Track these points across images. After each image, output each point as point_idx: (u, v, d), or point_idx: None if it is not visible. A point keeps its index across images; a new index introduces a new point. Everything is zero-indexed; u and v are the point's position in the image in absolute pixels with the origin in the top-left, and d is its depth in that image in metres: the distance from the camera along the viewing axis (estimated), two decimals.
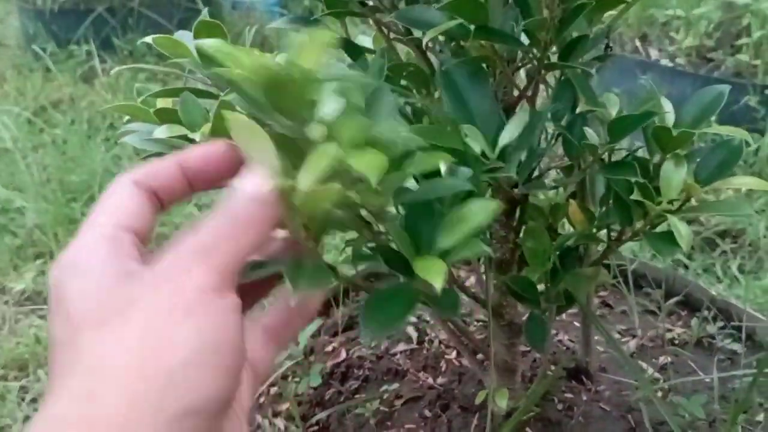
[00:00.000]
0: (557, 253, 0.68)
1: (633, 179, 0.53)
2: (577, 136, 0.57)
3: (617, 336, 1.07)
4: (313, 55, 0.35)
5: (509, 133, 0.51)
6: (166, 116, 0.61)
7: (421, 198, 0.45)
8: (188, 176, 0.39)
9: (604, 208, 0.68)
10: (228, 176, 0.37)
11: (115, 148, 1.86)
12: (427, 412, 0.88)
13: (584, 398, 0.91)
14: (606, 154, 0.59)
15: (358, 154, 0.37)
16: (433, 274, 0.41)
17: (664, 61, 2.02)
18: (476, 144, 0.51)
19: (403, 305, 0.45)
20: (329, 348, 1.03)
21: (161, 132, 0.60)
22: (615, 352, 0.73)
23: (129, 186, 0.38)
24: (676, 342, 1.05)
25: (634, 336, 1.06)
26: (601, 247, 0.69)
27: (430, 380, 0.94)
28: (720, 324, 1.05)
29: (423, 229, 0.48)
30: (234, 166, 0.38)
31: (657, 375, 0.98)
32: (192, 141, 0.58)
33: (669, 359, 1.01)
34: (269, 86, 0.34)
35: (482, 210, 0.45)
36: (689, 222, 1.72)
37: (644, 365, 1.00)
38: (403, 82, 0.68)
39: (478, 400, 0.79)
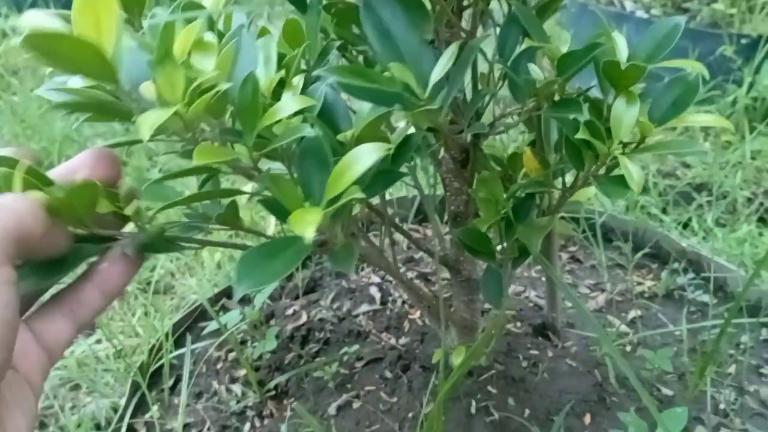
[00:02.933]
0: (511, 203, 0.64)
1: (580, 118, 0.49)
2: (522, 74, 0.53)
3: (586, 291, 1.04)
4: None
5: (439, 70, 0.47)
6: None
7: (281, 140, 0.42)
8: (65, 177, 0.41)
9: (558, 155, 0.64)
10: None
11: (76, 114, 1.80)
12: (387, 373, 0.85)
13: (550, 354, 0.88)
14: (556, 95, 0.56)
15: (147, 114, 0.36)
16: (303, 225, 0.38)
17: (640, 13, 1.98)
18: (405, 81, 0.47)
19: (287, 260, 0.42)
20: (290, 311, 1.00)
21: (75, 82, 0.56)
22: (574, 306, 0.71)
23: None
24: (646, 295, 1.02)
25: (603, 290, 1.03)
26: (556, 195, 0.65)
27: (393, 341, 0.91)
28: (690, 276, 1.02)
29: (314, 181, 0.44)
30: (105, 172, 0.41)
31: (626, 329, 0.96)
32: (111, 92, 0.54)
33: (638, 313, 0.98)
34: (37, 47, 0.33)
35: (369, 154, 0.42)
36: (665, 176, 1.68)
37: (613, 319, 0.98)
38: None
39: (434, 359, 0.76)
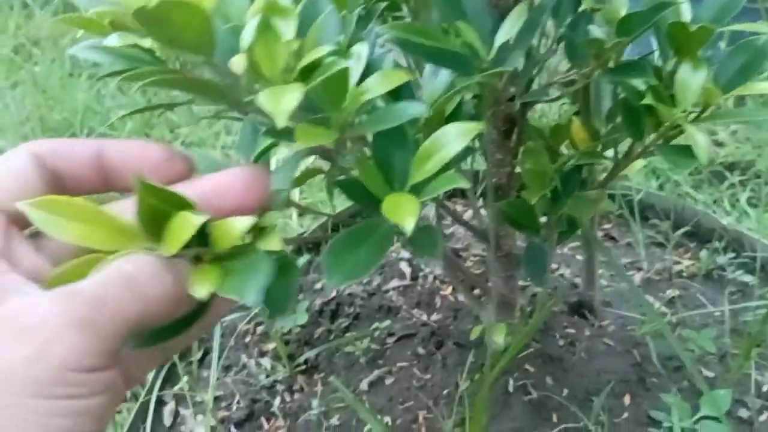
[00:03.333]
0: (558, 175, 0.61)
1: (645, 82, 0.46)
2: (580, 37, 0.50)
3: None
4: None
5: (506, 31, 0.44)
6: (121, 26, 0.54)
7: (377, 128, 0.39)
8: (106, 169, 0.33)
9: (611, 125, 0.61)
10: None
11: (98, 85, 1.78)
12: (420, 350, 0.83)
13: (587, 333, 0.86)
14: (612, 60, 0.53)
15: (273, 93, 0.31)
16: (403, 214, 0.35)
17: None
18: (470, 42, 0.44)
19: (374, 248, 0.39)
20: (318, 285, 0.98)
21: (112, 40, 0.53)
22: (622, 281, 0.68)
23: (25, 157, 0.31)
24: (685, 275, 0.99)
25: (639, 269, 1.01)
26: (606, 168, 0.63)
27: (424, 317, 0.89)
28: (731, 255, 0.99)
29: (395, 161, 0.41)
30: (173, 178, 0.33)
31: (664, 309, 0.93)
32: (148, 51, 0.51)
33: (677, 292, 0.96)
34: (149, 20, 0.30)
35: (460, 135, 0.39)
36: None
37: (651, 299, 0.95)
38: None
39: (473, 336, 0.74)
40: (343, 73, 0.37)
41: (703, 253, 1.01)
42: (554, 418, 0.74)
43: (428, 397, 0.77)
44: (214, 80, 0.36)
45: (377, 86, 0.37)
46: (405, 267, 1.00)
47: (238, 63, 0.33)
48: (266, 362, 0.87)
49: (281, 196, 0.40)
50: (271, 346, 0.89)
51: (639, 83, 0.47)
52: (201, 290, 0.29)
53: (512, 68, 0.42)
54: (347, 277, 0.39)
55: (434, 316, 0.89)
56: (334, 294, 0.95)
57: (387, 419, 0.75)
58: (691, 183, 1.44)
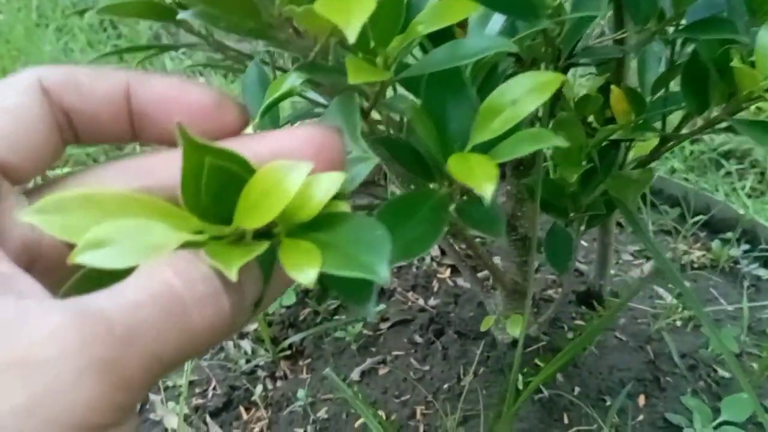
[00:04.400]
0: (596, 151, 0.54)
1: (731, 39, 0.39)
2: None
3: (629, 258, 0.95)
4: None
5: None
6: None
7: (435, 68, 0.31)
8: (134, 113, 0.25)
9: (657, 96, 0.54)
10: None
11: (66, 37, 1.66)
12: (417, 338, 0.76)
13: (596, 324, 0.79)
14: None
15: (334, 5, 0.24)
16: (478, 178, 0.29)
17: None
18: None
19: (429, 220, 0.33)
20: None
21: None
22: (662, 268, 0.61)
23: (28, 90, 0.23)
24: (695, 266, 0.93)
25: (648, 258, 0.94)
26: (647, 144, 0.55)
27: (421, 301, 0.81)
28: (745, 247, 0.93)
29: (451, 116, 0.34)
30: (221, 132, 0.25)
31: (674, 302, 0.87)
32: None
33: (688, 285, 0.89)
34: None
35: (536, 88, 0.32)
36: (692, 142, 1.58)
37: (660, 291, 0.89)
38: None
39: (483, 327, 0.66)
40: (399, 6, 0.29)
41: (715, 244, 0.95)
42: (565, 419, 0.67)
43: (427, 390, 0.69)
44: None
45: (436, 18, 0.29)
46: None
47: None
48: (246, 345, 0.78)
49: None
50: (252, 327, 0.81)
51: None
52: (308, 273, 0.21)
53: (595, 14, 0.34)
54: (402, 255, 0.32)
55: (432, 301, 0.81)
56: None
57: (381, 413, 0.68)
58: (682, 170, 1.39)
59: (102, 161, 0.26)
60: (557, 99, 0.56)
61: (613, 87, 0.57)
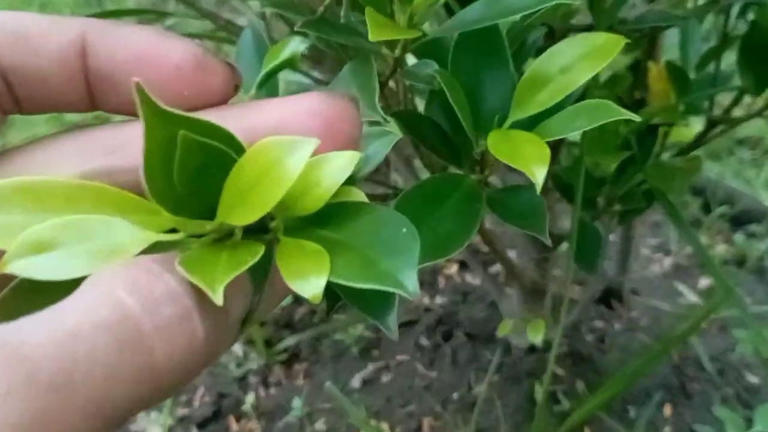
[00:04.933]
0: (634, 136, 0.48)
1: None
2: None
3: (647, 252, 0.89)
4: None
5: None
6: None
7: (473, 25, 0.26)
8: (96, 74, 0.19)
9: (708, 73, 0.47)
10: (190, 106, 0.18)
11: (51, 11, 1.59)
12: (423, 340, 0.70)
13: (617, 327, 0.73)
14: None
15: None
16: (529, 158, 0.24)
17: None
18: None
19: (461, 210, 0.27)
20: None
21: None
22: (715, 279, 0.56)
23: None
24: (719, 261, 0.87)
25: (668, 253, 0.88)
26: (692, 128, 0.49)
27: (426, 300, 0.75)
28: None
29: (486, 89, 0.29)
30: (205, 99, 0.19)
31: (696, 299, 0.81)
32: None
33: (710, 281, 0.84)
34: None
35: (595, 52, 0.27)
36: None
37: (682, 288, 0.83)
38: None
39: (501, 333, 0.60)
40: None
41: (739, 237, 0.89)
42: None
43: (435, 399, 0.63)
44: None
45: None
46: None
47: None
48: (237, 348, 0.72)
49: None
50: None
51: None
52: (313, 284, 0.16)
53: None
54: (429, 256, 0.27)
55: (438, 299, 0.75)
56: None
57: (384, 425, 0.62)
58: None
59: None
60: None
61: (651, 64, 0.50)
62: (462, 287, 0.76)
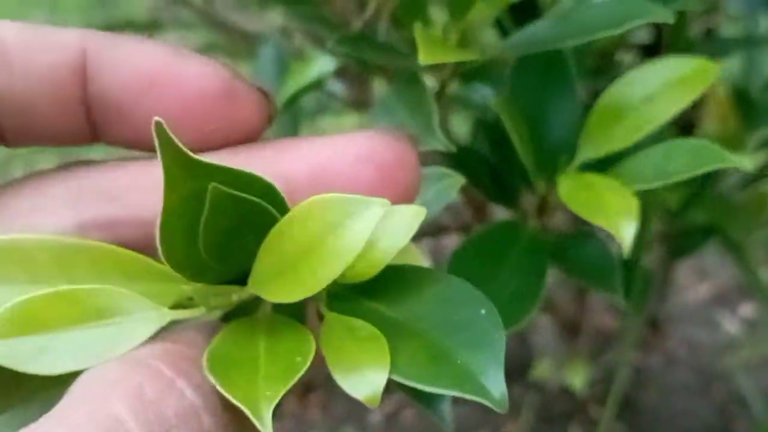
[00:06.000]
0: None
1: None
2: None
3: (682, 277, 0.85)
4: None
5: None
6: None
7: (533, 48, 0.23)
8: (99, 101, 0.15)
9: None
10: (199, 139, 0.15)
11: (60, 15, 1.56)
12: None
13: (654, 359, 0.69)
14: None
15: None
16: (613, 212, 0.21)
17: None
18: None
19: (523, 269, 0.23)
20: None
21: None
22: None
23: None
24: (762, 286, 0.82)
25: (705, 277, 0.84)
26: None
27: None
28: None
29: (550, 121, 0.25)
30: (234, 134, 0.16)
31: (738, 331, 0.76)
32: None
33: (753, 310, 0.79)
34: None
35: (685, 79, 0.24)
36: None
37: (722, 318, 0.78)
38: None
39: (536, 374, 0.56)
40: None
41: None
42: None
43: None
44: None
45: None
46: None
47: None
48: None
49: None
50: None
51: None
52: (370, 383, 0.13)
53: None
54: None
55: None
56: None
57: None
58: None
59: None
60: None
61: (714, 86, 0.46)
62: None
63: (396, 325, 0.14)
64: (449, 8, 0.22)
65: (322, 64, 0.27)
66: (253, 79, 0.38)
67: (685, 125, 0.50)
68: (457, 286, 0.15)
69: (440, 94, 0.25)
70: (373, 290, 0.15)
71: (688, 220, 0.44)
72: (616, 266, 0.25)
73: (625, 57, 0.42)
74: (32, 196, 0.15)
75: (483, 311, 0.14)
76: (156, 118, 0.12)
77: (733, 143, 0.44)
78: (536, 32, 0.22)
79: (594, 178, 0.22)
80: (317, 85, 0.28)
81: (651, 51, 0.39)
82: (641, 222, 0.44)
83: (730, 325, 0.77)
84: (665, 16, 0.19)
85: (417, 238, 0.15)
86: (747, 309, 0.79)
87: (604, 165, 0.24)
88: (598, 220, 0.20)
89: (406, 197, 0.15)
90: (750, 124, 0.43)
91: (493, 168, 0.26)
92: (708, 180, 0.43)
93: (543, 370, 0.55)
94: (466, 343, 0.14)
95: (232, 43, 0.42)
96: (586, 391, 0.61)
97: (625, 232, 0.19)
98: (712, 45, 0.35)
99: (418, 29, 0.20)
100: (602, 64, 0.39)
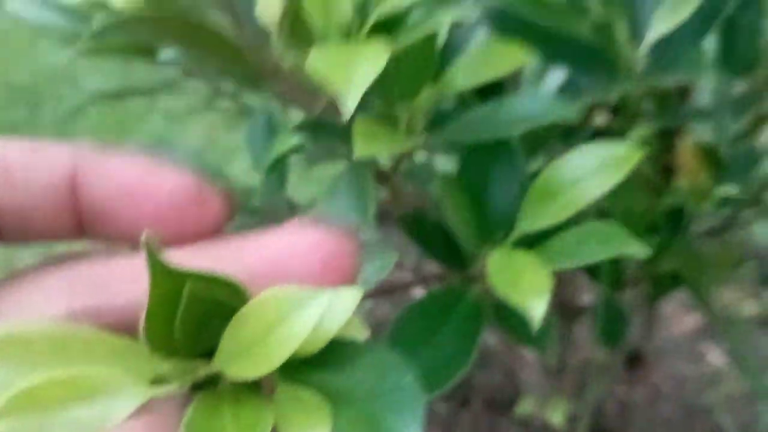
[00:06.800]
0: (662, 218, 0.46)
1: None
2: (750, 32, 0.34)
3: (668, 310, 0.87)
4: None
5: (669, 18, 0.29)
6: None
7: (471, 137, 0.26)
8: (87, 208, 0.19)
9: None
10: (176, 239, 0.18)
11: (71, 50, 1.60)
12: (440, 406, 0.68)
13: (639, 393, 0.71)
14: None
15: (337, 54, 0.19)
16: (525, 291, 0.23)
17: None
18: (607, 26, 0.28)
19: (459, 333, 0.26)
20: None
21: None
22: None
23: None
24: (746, 319, 0.85)
25: (692, 310, 0.86)
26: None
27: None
28: None
29: (493, 194, 0.28)
30: (199, 229, 0.19)
31: (723, 365, 0.78)
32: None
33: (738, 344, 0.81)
34: None
35: (609, 165, 0.26)
36: None
37: (706, 350, 0.80)
38: None
39: (519, 410, 0.58)
40: (430, 41, 0.23)
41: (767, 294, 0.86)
42: None
43: None
44: (228, 34, 0.22)
45: (480, 70, 0.24)
46: (418, 289, 0.84)
47: (271, 8, 0.20)
48: None
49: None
50: None
51: None
52: None
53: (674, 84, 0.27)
54: (427, 389, 0.25)
55: None
56: None
57: None
58: None
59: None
60: None
61: (682, 140, 0.48)
62: (481, 348, 0.74)
63: (337, 393, 0.17)
64: (397, 92, 0.24)
65: (296, 139, 0.29)
66: (248, 141, 0.41)
67: (666, 171, 0.53)
68: (385, 356, 0.17)
69: (398, 167, 0.28)
70: (319, 362, 0.17)
71: (659, 267, 0.46)
72: (549, 330, 0.28)
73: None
74: (29, 289, 0.18)
75: (407, 378, 0.17)
76: (144, 233, 0.15)
77: (703, 195, 0.47)
78: (473, 121, 0.25)
79: (519, 256, 0.24)
80: (297, 149, 0.30)
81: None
82: (615, 266, 0.46)
83: (715, 357, 0.79)
84: (572, 114, 0.22)
85: (378, 296, 0.18)
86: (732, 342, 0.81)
87: (540, 238, 0.26)
88: (513, 299, 0.22)
89: (347, 280, 0.18)
90: (718, 178, 0.46)
91: (447, 237, 0.29)
92: (677, 230, 0.46)
93: (527, 405, 0.57)
94: (392, 407, 0.16)
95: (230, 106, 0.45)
96: (568, 426, 0.63)
97: (535, 311, 0.21)
98: (686, 108, 0.37)
99: (358, 122, 0.22)
100: (578, 127, 0.42)
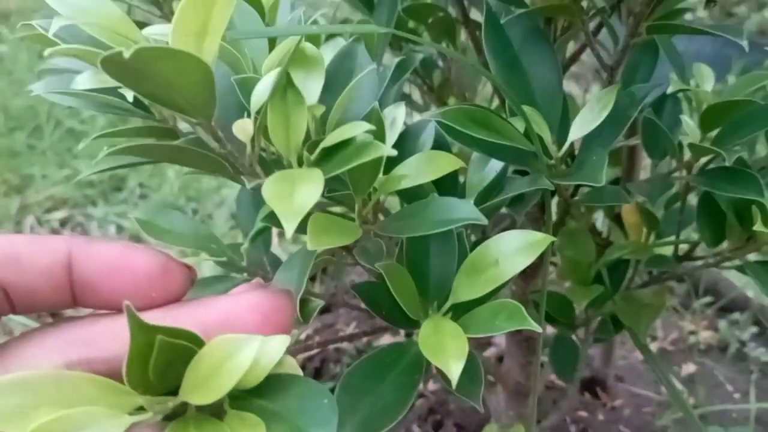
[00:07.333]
0: (605, 267, 0.52)
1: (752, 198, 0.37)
2: (668, 126, 0.41)
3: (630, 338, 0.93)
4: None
5: (582, 124, 0.35)
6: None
7: (405, 232, 0.31)
8: (79, 283, 0.24)
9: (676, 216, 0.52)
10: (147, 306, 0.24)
11: None
12: (415, 429, 0.73)
13: (600, 418, 0.77)
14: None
15: (282, 186, 0.24)
16: (445, 355, 0.28)
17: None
18: (537, 131, 0.34)
19: (401, 383, 0.32)
20: (302, 336, 0.88)
21: (84, 80, 0.42)
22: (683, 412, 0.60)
23: None
24: (702, 347, 0.91)
25: (654, 338, 0.92)
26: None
27: (420, 386, 0.79)
28: (754, 330, 0.91)
29: (432, 268, 0.33)
30: (167, 297, 0.25)
31: (680, 388, 0.85)
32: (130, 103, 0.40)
33: (694, 368, 0.87)
34: (123, 73, 0.22)
35: (524, 248, 0.31)
36: None
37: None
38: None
39: None
40: (378, 162, 0.28)
41: (723, 325, 0.92)
42: None
43: None
44: (209, 149, 0.27)
45: (420, 173, 0.30)
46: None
47: (244, 128, 0.26)
48: None
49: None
50: None
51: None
52: None
53: (595, 184, 0.32)
54: (367, 430, 0.30)
55: (432, 385, 0.79)
56: (318, 349, 0.85)
57: None
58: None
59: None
60: (567, 209, 0.54)
61: (630, 205, 0.55)
62: None
63: (273, 414, 0.22)
64: (352, 185, 0.29)
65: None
66: (236, 209, 0.47)
67: (617, 217, 0.59)
68: (310, 386, 0.23)
69: (350, 247, 0.33)
70: (259, 391, 0.23)
71: (603, 310, 0.52)
72: (479, 381, 0.33)
73: None
74: (33, 346, 0.23)
75: (325, 401, 0.22)
76: (125, 302, 0.20)
77: (644, 246, 0.53)
78: (406, 217, 0.30)
79: (446, 325, 0.29)
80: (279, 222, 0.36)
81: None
82: (563, 313, 0.52)
83: (675, 382, 0.85)
84: (483, 220, 0.28)
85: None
86: (690, 367, 0.88)
87: (467, 309, 0.31)
88: (437, 361, 0.27)
89: (283, 330, 0.24)
90: (657, 233, 0.53)
91: (393, 298, 0.34)
92: (616, 280, 0.52)
93: (490, 431, 0.63)
94: (313, 422, 0.22)
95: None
96: None
97: (453, 371, 0.26)
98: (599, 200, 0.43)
99: (312, 221, 0.26)
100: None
